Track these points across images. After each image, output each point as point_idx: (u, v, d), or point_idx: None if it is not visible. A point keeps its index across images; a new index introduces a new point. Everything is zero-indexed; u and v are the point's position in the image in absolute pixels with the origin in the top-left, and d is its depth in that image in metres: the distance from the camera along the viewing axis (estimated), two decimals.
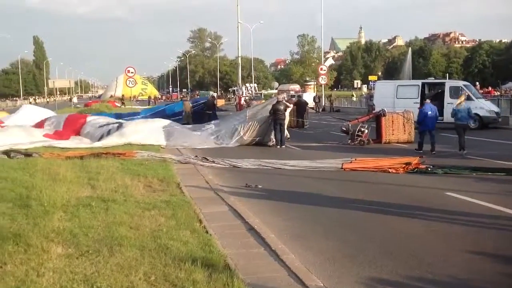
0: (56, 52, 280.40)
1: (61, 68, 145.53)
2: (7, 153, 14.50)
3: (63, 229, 6.63)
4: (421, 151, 15.56)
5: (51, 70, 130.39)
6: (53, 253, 5.68)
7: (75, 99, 78.75)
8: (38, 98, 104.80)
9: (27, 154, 14.32)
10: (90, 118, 20.65)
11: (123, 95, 65.34)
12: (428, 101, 17.27)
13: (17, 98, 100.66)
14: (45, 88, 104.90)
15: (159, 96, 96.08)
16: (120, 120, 21.67)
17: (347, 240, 7.00)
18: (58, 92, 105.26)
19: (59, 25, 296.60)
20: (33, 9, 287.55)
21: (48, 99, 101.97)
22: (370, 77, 66.95)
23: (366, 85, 75.06)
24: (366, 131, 18.56)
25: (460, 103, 15.66)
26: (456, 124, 15.65)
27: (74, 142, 17.68)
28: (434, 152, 15.40)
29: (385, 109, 19.56)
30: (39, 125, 20.08)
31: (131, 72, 40.17)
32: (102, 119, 20.74)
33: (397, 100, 24.50)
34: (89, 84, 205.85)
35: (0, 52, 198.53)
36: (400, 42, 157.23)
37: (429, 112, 16.12)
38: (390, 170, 12.30)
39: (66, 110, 40.66)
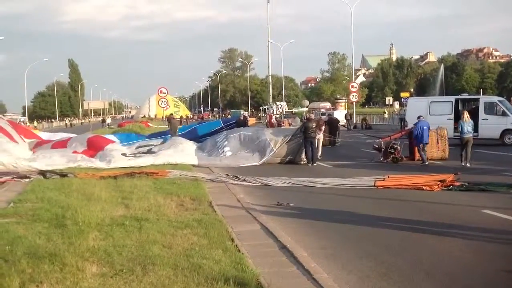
0: (91, 74, 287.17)
1: (95, 90, 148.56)
2: (43, 173, 14.84)
3: (98, 248, 6.72)
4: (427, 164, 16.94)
5: (86, 92, 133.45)
6: (88, 272, 5.76)
7: (108, 120, 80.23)
8: (73, 119, 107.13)
9: (63, 174, 14.61)
10: (113, 146, 20.17)
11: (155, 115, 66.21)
12: (422, 118, 18.18)
13: (53, 120, 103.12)
14: (80, 109, 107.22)
15: (191, 116, 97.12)
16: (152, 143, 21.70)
17: (381, 259, 6.88)
18: (92, 113, 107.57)
19: (92, 48, 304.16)
20: (68, 33, 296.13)
21: (83, 120, 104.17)
22: (402, 94, 66.38)
23: (397, 102, 74.38)
24: (399, 148, 18.35)
25: (464, 117, 16.82)
26: (463, 137, 16.47)
27: (105, 161, 17.91)
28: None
29: None
30: (62, 144, 20.21)
31: (164, 93, 40.77)
32: (126, 149, 20.13)
33: (430, 117, 24.07)
34: (122, 104, 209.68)
35: (37, 75, 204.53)
36: (432, 58, 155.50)
37: (425, 127, 17.52)
38: (424, 187, 12.10)
39: (100, 131, 41.43)
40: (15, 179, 14.25)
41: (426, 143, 17.69)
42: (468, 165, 16.10)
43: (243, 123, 28.12)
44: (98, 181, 13.09)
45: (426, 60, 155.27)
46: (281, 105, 66.94)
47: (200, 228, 7.95)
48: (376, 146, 19.43)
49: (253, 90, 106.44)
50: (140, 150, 19.93)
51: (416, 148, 18.27)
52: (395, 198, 11.24)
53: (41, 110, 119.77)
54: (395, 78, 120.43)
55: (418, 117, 18.19)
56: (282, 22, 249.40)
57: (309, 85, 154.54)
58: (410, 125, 19.82)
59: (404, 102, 51.98)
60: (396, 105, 73.60)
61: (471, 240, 7.69)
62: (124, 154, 18.70)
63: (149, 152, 19.09)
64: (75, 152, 18.79)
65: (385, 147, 18.59)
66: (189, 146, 20.39)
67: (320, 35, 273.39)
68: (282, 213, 9.96)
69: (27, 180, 13.95)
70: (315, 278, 5.83)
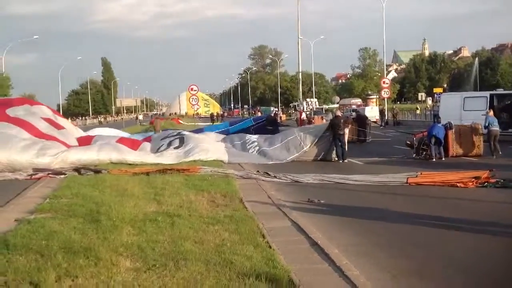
0: (123, 72, 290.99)
1: (127, 88, 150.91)
2: (77, 170, 15.14)
3: (131, 243, 6.82)
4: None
5: (118, 90, 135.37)
6: (122, 267, 5.85)
7: (140, 117, 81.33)
8: (106, 117, 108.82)
9: (96, 170, 14.87)
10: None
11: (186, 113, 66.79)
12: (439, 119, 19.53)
13: (87, 117, 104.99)
14: (113, 107, 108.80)
15: (221, 113, 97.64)
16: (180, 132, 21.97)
17: (414, 257, 6.79)
18: (125, 111, 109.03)
19: (124, 46, 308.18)
20: (101, 32, 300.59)
21: (115, 118, 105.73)
22: (435, 90, 65.34)
23: (430, 98, 73.22)
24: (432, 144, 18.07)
25: (491, 112, 18.84)
26: (491, 130, 17.79)
27: (141, 153, 18.12)
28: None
29: (452, 122, 18.98)
30: (87, 139, 20.52)
31: (194, 90, 41.03)
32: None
33: (464, 113, 23.69)
34: (153, 102, 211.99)
35: (71, 74, 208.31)
36: (466, 53, 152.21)
37: (438, 125, 18.20)
38: (458, 184, 11.88)
39: (133, 128, 42.05)
40: (50, 175, 14.59)
41: (439, 139, 17.69)
42: (494, 157, 17.14)
43: (273, 120, 28.09)
44: (131, 178, 13.28)
45: (459, 55, 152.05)
46: (312, 102, 66.66)
47: (231, 224, 7.99)
48: (408, 142, 19.19)
49: (283, 86, 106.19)
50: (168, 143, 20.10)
51: (449, 144, 17.99)
52: (428, 195, 11.08)
53: (75, 107, 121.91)
54: (427, 73, 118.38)
55: (434, 120, 19.42)
56: (312, 19, 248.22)
57: (340, 81, 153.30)
58: (443, 121, 19.52)
59: (437, 98, 51.10)
60: (429, 101, 72.47)
61: (509, 238, 7.52)
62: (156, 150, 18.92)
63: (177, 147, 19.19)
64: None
65: (417, 144, 18.34)
66: (219, 143, 20.52)
67: (351, 31, 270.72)
68: (313, 209, 9.93)
69: (62, 176, 14.26)
70: (347, 275, 5.79)
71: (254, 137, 20.60)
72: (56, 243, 6.67)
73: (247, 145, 19.84)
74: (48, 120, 19.70)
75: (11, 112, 18.78)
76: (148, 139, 21.14)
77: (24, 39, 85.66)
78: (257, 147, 19.51)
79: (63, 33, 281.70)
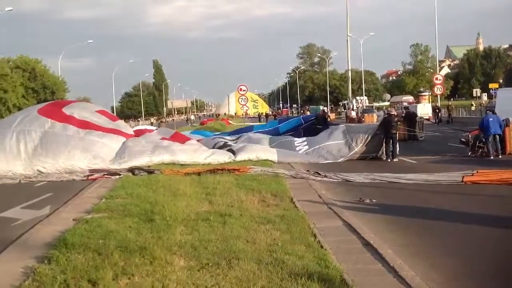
0: (173, 73, 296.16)
1: (178, 89, 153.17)
2: (132, 170, 15.51)
3: (185, 242, 6.93)
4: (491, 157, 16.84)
5: (169, 91, 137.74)
6: (176, 265, 5.96)
7: (192, 117, 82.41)
8: (158, 119, 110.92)
9: (150, 171, 15.20)
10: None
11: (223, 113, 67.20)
12: (489, 112, 19.07)
13: (139, 119, 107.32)
14: (164, 108, 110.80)
15: (270, 112, 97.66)
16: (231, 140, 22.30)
17: (470, 257, 6.61)
18: (175, 112, 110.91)
19: (175, 48, 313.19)
20: (152, 35, 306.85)
21: (167, 119, 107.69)
22: (491, 85, 63.14)
23: (486, 94, 70.87)
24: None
25: None
26: None
27: (192, 149, 18.39)
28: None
29: (509, 118, 18.33)
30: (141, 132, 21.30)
31: (243, 90, 41.31)
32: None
33: None
34: (203, 103, 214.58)
35: (124, 76, 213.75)
36: None
37: (491, 119, 17.49)
38: None
39: (184, 128, 42.71)
40: (106, 176, 15.02)
41: (499, 134, 17.38)
42: None
43: (323, 118, 27.90)
44: (183, 178, 13.51)
45: None
46: (361, 100, 65.85)
47: (282, 223, 8.00)
48: (463, 140, 18.67)
49: (332, 85, 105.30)
50: (217, 145, 20.40)
51: (507, 141, 17.40)
52: (485, 194, 10.75)
53: (128, 109, 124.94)
54: (482, 69, 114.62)
55: (486, 112, 18.34)
56: (361, 16, 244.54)
57: (390, 78, 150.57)
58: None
59: (493, 93, 49.43)
60: (484, 97, 70.18)
61: None
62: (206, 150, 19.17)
63: (227, 148, 19.39)
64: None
65: (473, 141, 17.81)
66: (267, 143, 20.60)
67: (401, 27, 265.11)
68: (365, 209, 9.81)
69: (117, 177, 14.65)
70: (401, 275, 5.69)
71: (302, 138, 20.58)
72: (112, 242, 6.85)
73: (295, 143, 19.81)
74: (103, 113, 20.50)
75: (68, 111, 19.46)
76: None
77: (79, 44, 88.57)
78: (306, 146, 19.45)
79: (116, 36, 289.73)
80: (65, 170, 16.29)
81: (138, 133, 20.84)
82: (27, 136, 17.15)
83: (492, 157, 16.88)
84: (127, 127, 20.76)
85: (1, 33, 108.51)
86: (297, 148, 19.64)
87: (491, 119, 17.53)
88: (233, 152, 18.53)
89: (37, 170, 16.24)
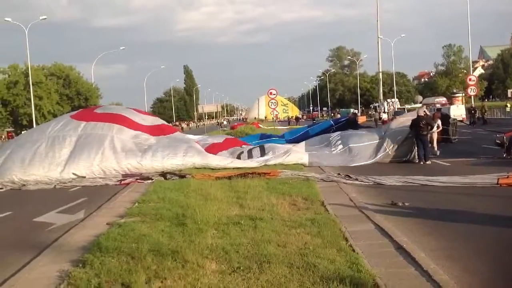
0: (204, 78, 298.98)
1: (208, 94, 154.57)
2: (163, 175, 15.69)
3: (216, 246, 6.97)
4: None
5: (200, 96, 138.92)
6: (207, 269, 6.00)
7: (225, 122, 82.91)
8: (189, 123, 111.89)
9: (181, 175, 15.34)
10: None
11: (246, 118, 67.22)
12: None
13: (171, 124, 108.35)
14: (195, 113, 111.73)
15: (300, 116, 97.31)
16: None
17: (505, 261, 6.46)
18: (206, 116, 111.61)
19: (205, 54, 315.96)
20: (183, 41, 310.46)
21: (198, 124, 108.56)
22: None
23: None
24: None
25: None
26: None
27: (222, 158, 18.47)
28: None
29: None
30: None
31: (274, 94, 41.34)
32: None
33: None
34: (233, 107, 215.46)
35: (156, 82, 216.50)
36: None
37: None
38: None
39: (215, 133, 42.95)
40: (138, 180, 15.22)
41: None
42: None
43: (353, 121, 27.73)
44: (214, 182, 13.59)
45: None
46: (393, 102, 65.06)
47: (313, 227, 7.96)
48: (498, 141, 18.27)
49: (362, 87, 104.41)
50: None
51: None
52: None
53: (159, 115, 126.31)
54: None
55: None
56: (391, 17, 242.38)
57: (422, 80, 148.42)
58: None
59: None
60: None
61: None
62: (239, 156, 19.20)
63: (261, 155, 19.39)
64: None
65: (508, 143, 17.41)
66: (300, 146, 20.52)
67: (434, 28, 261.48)
68: (397, 212, 9.69)
69: (149, 181, 14.83)
70: (435, 279, 5.60)
71: (338, 139, 20.23)
72: (145, 245, 6.94)
73: (331, 147, 19.67)
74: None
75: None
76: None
77: (112, 50, 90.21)
78: (341, 145, 19.31)
79: (148, 43, 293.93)
80: (99, 173, 16.63)
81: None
82: (62, 141, 17.56)
83: None
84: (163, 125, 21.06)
85: (36, 41, 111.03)
86: (332, 144, 19.53)
87: None
88: (264, 151, 18.51)
89: (73, 173, 16.57)
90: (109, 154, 17.11)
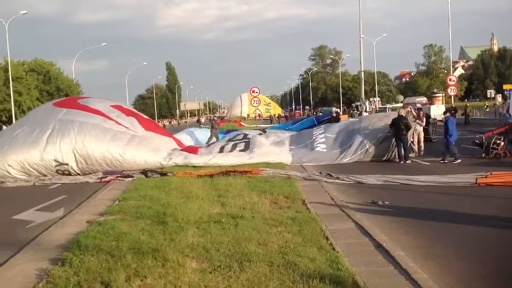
0: (187, 75, 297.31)
1: (191, 91, 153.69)
2: (144, 173, 15.60)
3: (197, 244, 6.96)
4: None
5: (182, 93, 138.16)
6: (188, 268, 5.99)
7: (202, 120, 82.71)
8: (171, 121, 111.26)
9: (163, 173, 15.28)
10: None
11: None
12: (448, 114, 18.59)
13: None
14: (177, 110, 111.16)
15: (282, 114, 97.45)
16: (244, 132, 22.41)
17: (483, 260, 6.56)
18: (188, 114, 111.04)
19: (187, 51, 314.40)
20: (165, 37, 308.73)
21: (179, 121, 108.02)
22: (505, 86, 62.51)
23: (500, 95, 70.17)
24: (502, 143, 17.35)
25: None
26: None
27: (204, 156, 18.42)
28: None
29: None
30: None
31: (256, 92, 41.36)
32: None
33: None
34: (216, 105, 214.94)
35: (137, 79, 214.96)
36: None
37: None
38: None
39: None
40: (119, 178, 15.13)
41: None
42: None
43: (336, 120, 27.85)
44: (196, 180, 13.56)
45: None
46: (374, 101, 65.53)
47: (294, 226, 8.00)
48: (477, 141, 18.50)
49: (344, 86, 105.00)
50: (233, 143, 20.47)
51: None
52: (498, 196, 10.66)
53: (141, 112, 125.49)
54: (497, 69, 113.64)
55: (444, 113, 18.93)
56: (373, 17, 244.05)
57: (404, 79, 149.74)
58: None
59: (508, 94, 48.91)
60: (499, 98, 69.45)
61: None
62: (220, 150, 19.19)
63: (244, 150, 19.36)
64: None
65: (487, 143, 17.65)
66: (284, 146, 20.46)
67: (415, 28, 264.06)
68: (377, 211, 9.78)
69: (130, 179, 14.74)
70: (413, 278, 5.67)
71: (321, 137, 20.23)
72: (125, 244, 6.91)
73: (313, 144, 19.69)
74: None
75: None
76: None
77: (93, 46, 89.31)
78: (324, 144, 19.37)
79: (129, 39, 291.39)
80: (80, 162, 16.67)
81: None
82: (45, 126, 17.43)
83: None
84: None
85: (16, 36, 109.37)
86: (314, 141, 19.63)
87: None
88: (247, 154, 18.48)
89: (54, 160, 16.52)
90: (91, 141, 16.91)
